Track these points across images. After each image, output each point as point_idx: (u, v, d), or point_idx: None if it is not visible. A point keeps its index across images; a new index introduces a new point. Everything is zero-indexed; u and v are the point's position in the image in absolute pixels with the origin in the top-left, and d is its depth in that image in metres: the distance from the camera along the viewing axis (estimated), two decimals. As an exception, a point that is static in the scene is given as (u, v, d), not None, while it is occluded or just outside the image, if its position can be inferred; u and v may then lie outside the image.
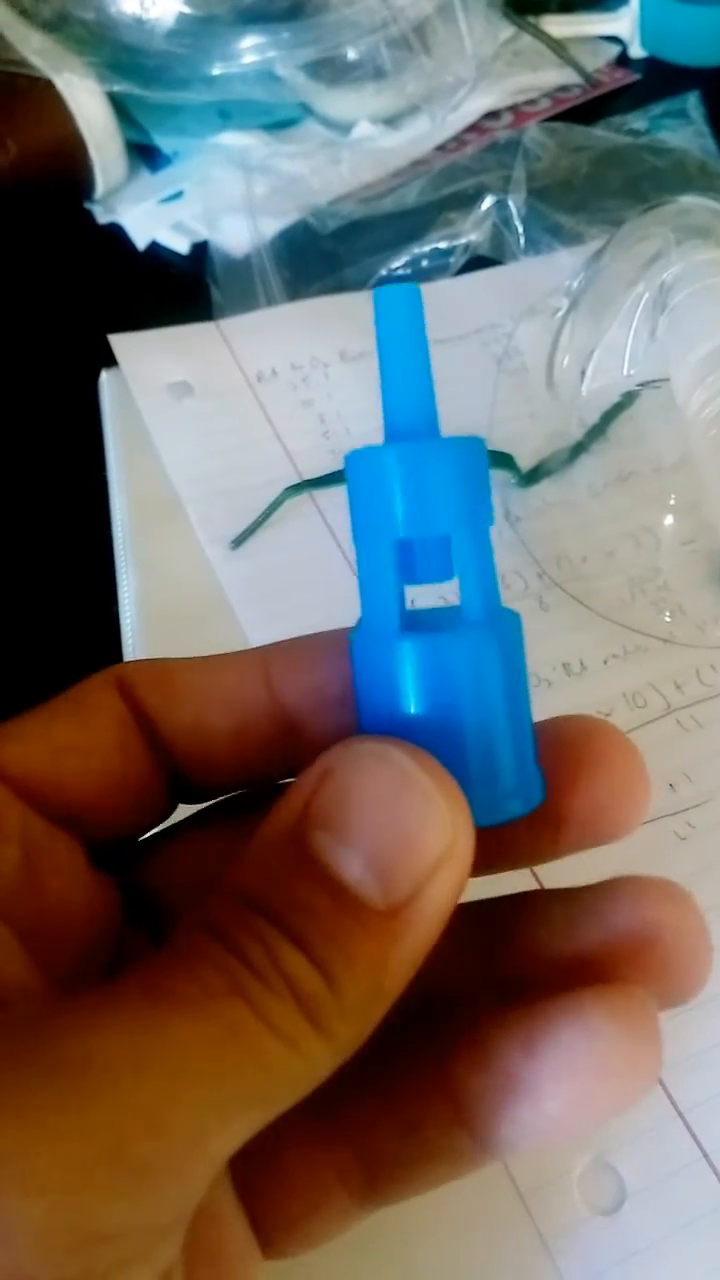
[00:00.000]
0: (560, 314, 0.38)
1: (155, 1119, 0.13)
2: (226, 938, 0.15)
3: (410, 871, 0.15)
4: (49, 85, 0.50)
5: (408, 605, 0.18)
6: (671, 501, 0.36)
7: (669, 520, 0.37)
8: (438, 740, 0.17)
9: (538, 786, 0.18)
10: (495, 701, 0.17)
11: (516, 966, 0.20)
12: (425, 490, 0.17)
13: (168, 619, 0.36)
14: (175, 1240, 0.14)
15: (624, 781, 0.19)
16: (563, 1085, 0.17)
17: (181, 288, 0.49)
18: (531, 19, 0.57)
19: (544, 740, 0.19)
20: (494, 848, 0.18)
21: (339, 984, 0.15)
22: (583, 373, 0.35)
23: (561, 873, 0.21)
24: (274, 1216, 0.19)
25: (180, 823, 0.21)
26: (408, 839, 0.15)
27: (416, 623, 0.18)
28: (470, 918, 0.20)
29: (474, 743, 0.17)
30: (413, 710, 0.17)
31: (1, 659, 0.36)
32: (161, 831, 0.21)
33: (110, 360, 0.43)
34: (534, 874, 0.29)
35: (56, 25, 0.51)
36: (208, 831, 0.21)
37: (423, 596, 0.19)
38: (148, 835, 0.21)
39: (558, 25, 0.58)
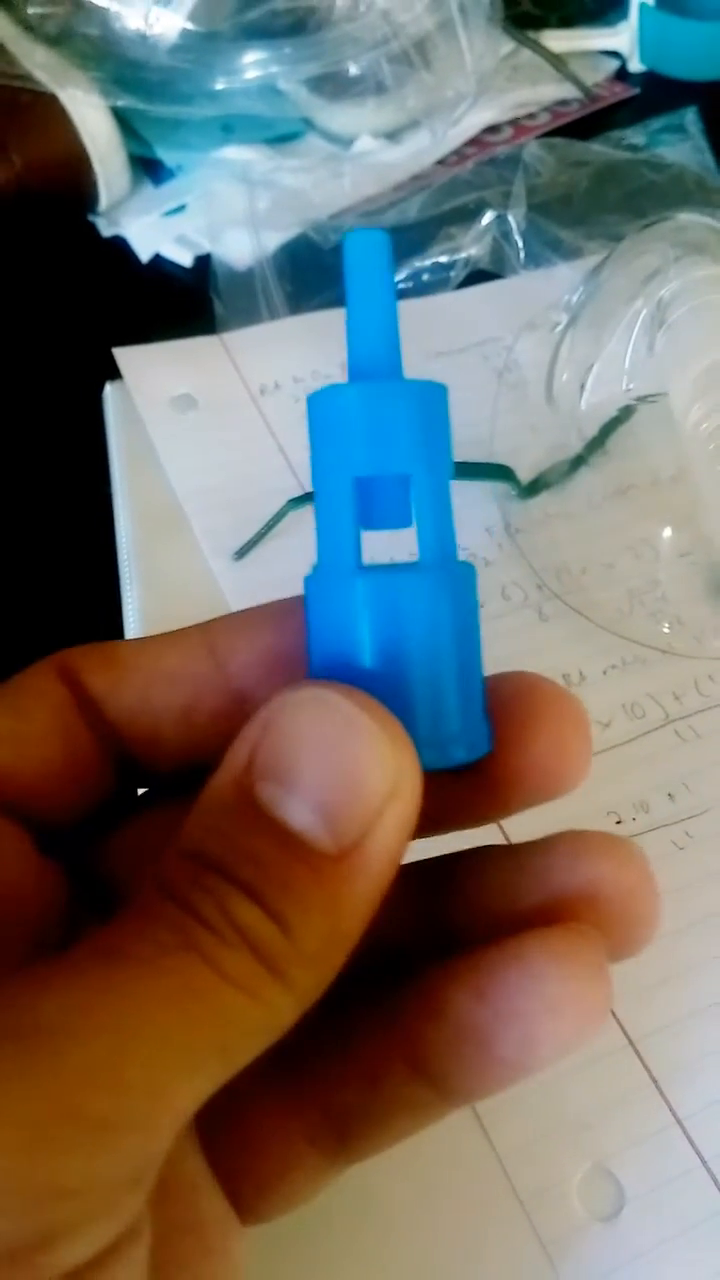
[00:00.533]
0: (560, 328, 0.38)
1: (111, 1075, 0.13)
2: (177, 895, 0.15)
3: (357, 813, 0.16)
4: (53, 99, 0.50)
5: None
6: (670, 514, 0.37)
7: (667, 532, 0.37)
8: (385, 681, 0.17)
9: (485, 737, 0.18)
10: (445, 645, 0.17)
11: (467, 921, 0.20)
12: (385, 428, 0.17)
13: (172, 630, 0.36)
14: (140, 1194, 0.14)
15: (565, 735, 0.19)
16: (511, 1028, 0.18)
17: (184, 300, 0.49)
18: (531, 34, 0.58)
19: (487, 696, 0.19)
20: (439, 806, 0.18)
21: (295, 931, 0.15)
22: (582, 387, 0.36)
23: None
24: (248, 1181, 0.19)
25: (133, 803, 0.21)
26: (352, 781, 0.15)
27: (373, 570, 0.18)
28: (422, 874, 0.20)
29: (421, 686, 0.17)
30: (362, 649, 0.17)
31: (5, 670, 0.36)
32: (114, 814, 0.21)
33: (114, 373, 0.43)
34: (502, 831, 0.30)
35: (61, 40, 0.51)
36: (160, 812, 0.21)
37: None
38: (102, 819, 0.21)
39: (557, 40, 0.59)
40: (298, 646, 0.19)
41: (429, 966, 0.19)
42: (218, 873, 0.15)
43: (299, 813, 0.15)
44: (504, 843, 0.26)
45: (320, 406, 0.18)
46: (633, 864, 0.19)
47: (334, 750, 0.16)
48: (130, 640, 0.21)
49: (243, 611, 0.20)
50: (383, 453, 0.17)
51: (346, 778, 0.16)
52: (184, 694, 0.19)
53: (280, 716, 0.16)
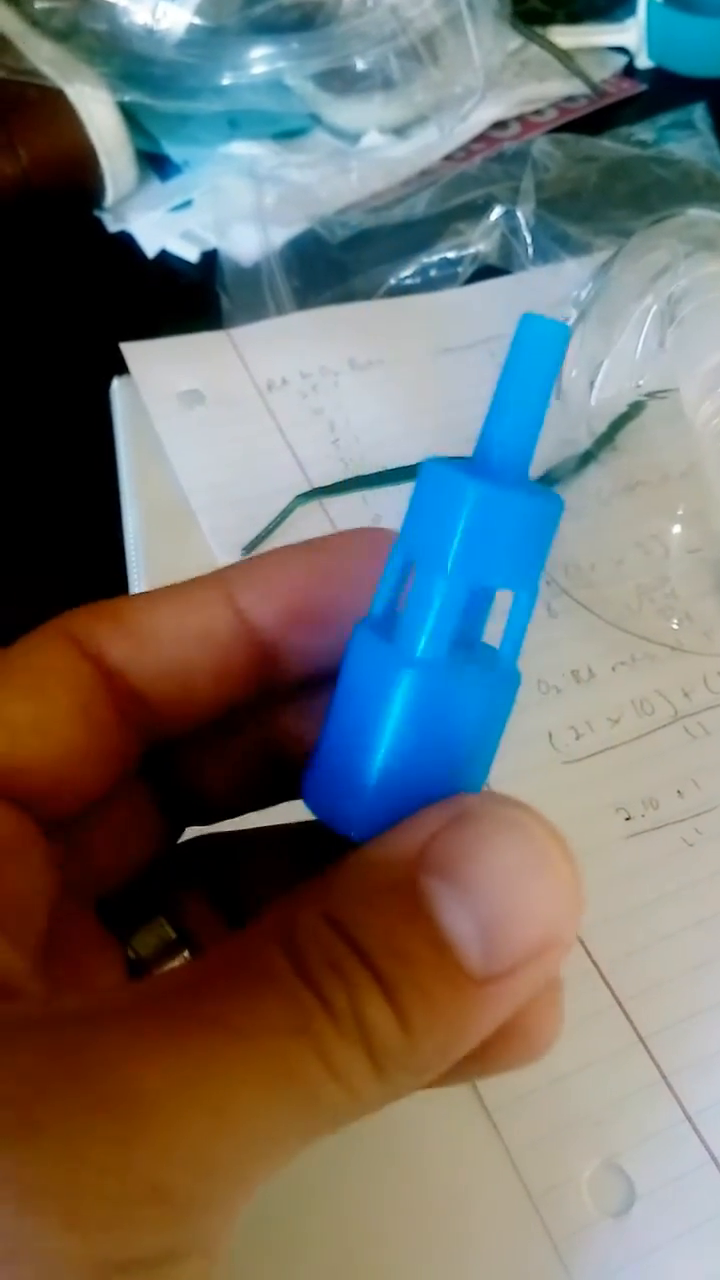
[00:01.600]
0: (569, 324, 0.38)
1: (200, 1157, 0.13)
2: (304, 970, 0.14)
3: (518, 948, 0.15)
4: (60, 95, 0.50)
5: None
6: (679, 510, 0.37)
7: (676, 529, 0.37)
8: (400, 758, 0.16)
9: None
10: (473, 747, 0.17)
11: None
12: (507, 543, 0.17)
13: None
14: (209, 1254, 0.14)
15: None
16: None
17: (190, 296, 0.49)
18: (539, 29, 0.58)
19: None
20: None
21: (416, 1040, 0.14)
22: (592, 383, 0.36)
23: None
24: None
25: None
26: (525, 914, 0.15)
27: (437, 661, 0.17)
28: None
29: (433, 778, 0.17)
30: (396, 727, 0.16)
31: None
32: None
33: (121, 367, 0.43)
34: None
35: (68, 35, 0.51)
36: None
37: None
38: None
39: (565, 36, 0.58)
40: (318, 596, 0.18)
41: None
42: (356, 955, 0.14)
43: (462, 924, 0.15)
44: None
45: (440, 491, 0.17)
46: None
47: (518, 878, 0.15)
48: (141, 597, 0.19)
49: (257, 559, 0.19)
50: (498, 567, 0.17)
51: (521, 909, 0.15)
52: (212, 655, 0.18)
53: (475, 821, 0.15)
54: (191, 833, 0.22)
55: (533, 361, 0.17)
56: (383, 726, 0.17)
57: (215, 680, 0.19)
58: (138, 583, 0.37)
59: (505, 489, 0.16)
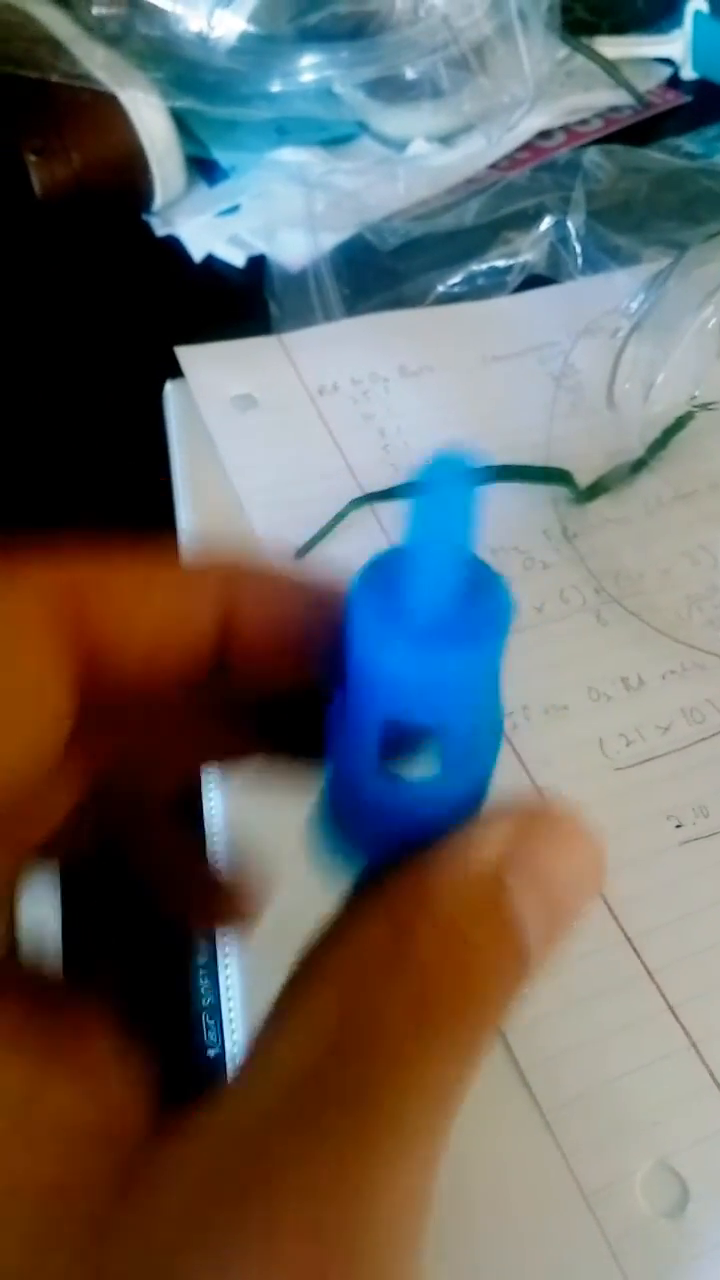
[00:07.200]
0: (621, 334, 0.39)
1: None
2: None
3: (561, 939, 0.16)
4: (112, 99, 0.51)
5: None
6: (729, 521, 0.37)
7: (726, 539, 0.38)
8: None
9: None
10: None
11: None
12: (429, 691, 0.17)
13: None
14: None
15: None
16: None
17: (236, 300, 0.49)
18: (585, 39, 0.58)
19: None
20: None
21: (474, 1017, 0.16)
22: (646, 393, 0.36)
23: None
24: None
25: None
26: (575, 911, 0.17)
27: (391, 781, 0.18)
28: None
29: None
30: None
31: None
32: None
33: (172, 370, 0.43)
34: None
35: (121, 40, 0.52)
36: None
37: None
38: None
39: (610, 46, 0.59)
40: (306, 633, 0.18)
41: None
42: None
43: (538, 918, 0.16)
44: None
45: (363, 635, 0.16)
46: None
47: (581, 881, 0.17)
48: (135, 573, 0.17)
49: (263, 572, 0.18)
50: (421, 710, 0.17)
51: (575, 908, 0.17)
52: (187, 648, 0.17)
53: (551, 829, 0.17)
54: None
55: (449, 509, 0.16)
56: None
57: (177, 667, 0.17)
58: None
59: (418, 647, 0.16)
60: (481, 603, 0.16)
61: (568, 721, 0.35)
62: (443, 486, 0.16)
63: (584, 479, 0.39)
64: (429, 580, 0.16)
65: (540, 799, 0.17)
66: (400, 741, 0.17)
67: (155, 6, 0.51)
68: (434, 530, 0.16)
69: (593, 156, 0.49)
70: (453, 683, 0.17)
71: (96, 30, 0.52)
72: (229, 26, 0.51)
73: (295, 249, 0.50)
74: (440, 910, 0.16)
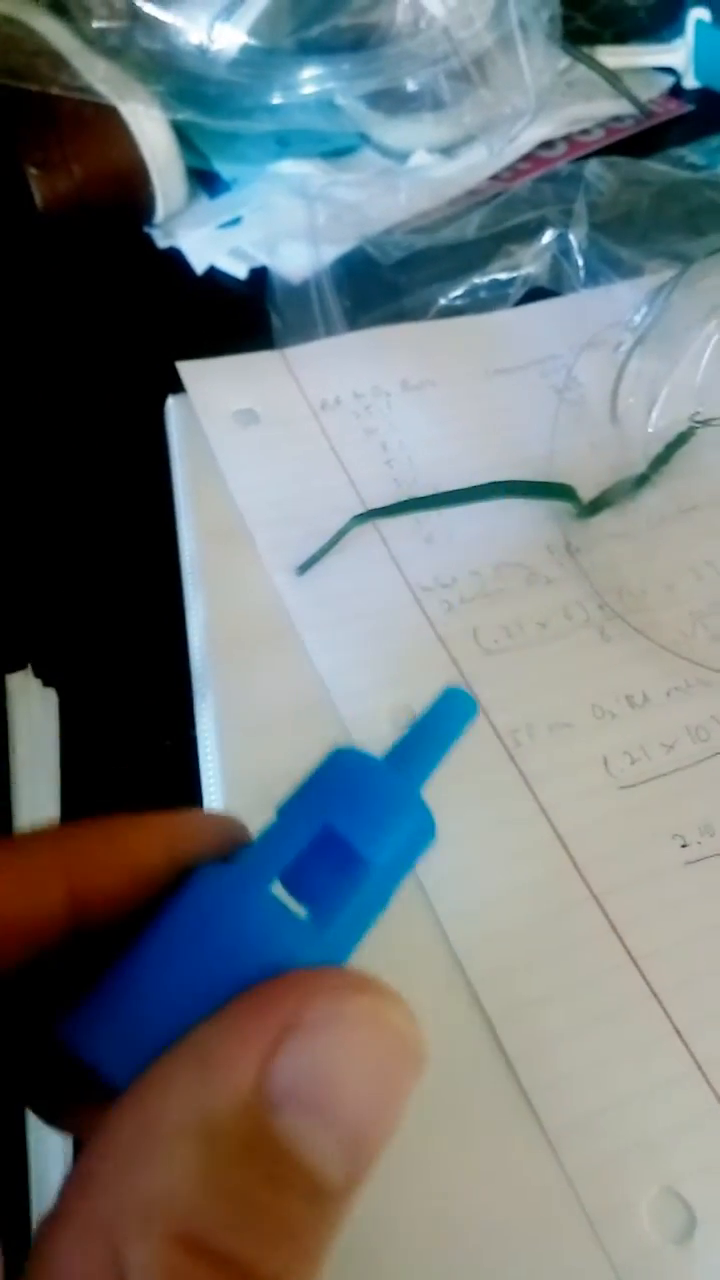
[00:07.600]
0: (624, 349, 0.39)
1: None
2: None
3: (379, 1146, 0.13)
4: (113, 112, 0.51)
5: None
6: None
7: (730, 554, 0.37)
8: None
9: None
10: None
11: None
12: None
13: (235, 643, 0.36)
14: None
15: None
16: None
17: (238, 313, 0.49)
18: (586, 49, 0.58)
19: None
20: None
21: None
22: (650, 408, 0.36)
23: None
24: None
25: None
26: (391, 1114, 0.13)
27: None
28: None
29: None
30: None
31: (70, 685, 0.37)
32: None
33: (173, 385, 0.43)
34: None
35: (122, 53, 0.52)
36: None
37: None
38: None
39: (612, 56, 0.59)
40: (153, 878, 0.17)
41: None
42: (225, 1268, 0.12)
43: (329, 1149, 0.13)
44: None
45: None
46: None
47: (380, 1076, 0.13)
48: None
49: (107, 839, 0.18)
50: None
51: (388, 1110, 0.13)
52: (36, 927, 0.17)
53: (321, 1030, 0.13)
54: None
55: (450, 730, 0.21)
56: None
57: (26, 945, 0.17)
58: (194, 600, 0.38)
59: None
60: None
61: (572, 739, 0.34)
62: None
63: (587, 493, 0.39)
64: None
65: (329, 968, 0.14)
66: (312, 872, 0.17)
67: (156, 19, 0.51)
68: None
69: (595, 168, 0.49)
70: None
71: (97, 43, 0.52)
72: (230, 39, 0.51)
73: (297, 261, 0.50)
74: (177, 1222, 0.12)
